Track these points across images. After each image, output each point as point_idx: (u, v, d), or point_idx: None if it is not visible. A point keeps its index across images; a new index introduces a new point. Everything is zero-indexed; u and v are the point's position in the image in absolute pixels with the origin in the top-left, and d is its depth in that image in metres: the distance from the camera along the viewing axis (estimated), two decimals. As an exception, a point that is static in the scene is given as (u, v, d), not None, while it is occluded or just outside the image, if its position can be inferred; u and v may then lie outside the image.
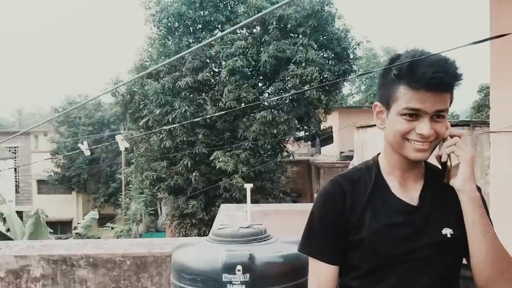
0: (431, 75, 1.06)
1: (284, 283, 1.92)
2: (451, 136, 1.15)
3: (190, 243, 2.23)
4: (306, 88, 12.44)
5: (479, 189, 1.20)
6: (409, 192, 1.21)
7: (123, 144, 3.10)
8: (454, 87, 1.12)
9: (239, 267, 1.90)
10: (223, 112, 9.69)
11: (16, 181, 24.86)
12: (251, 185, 2.76)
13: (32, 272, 2.71)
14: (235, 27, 9.39)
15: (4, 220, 9.86)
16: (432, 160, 1.22)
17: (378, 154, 1.29)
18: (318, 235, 1.21)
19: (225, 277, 1.91)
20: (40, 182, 26.22)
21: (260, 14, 8.79)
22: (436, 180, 1.20)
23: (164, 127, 10.02)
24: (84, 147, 3.31)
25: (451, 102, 1.15)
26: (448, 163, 1.15)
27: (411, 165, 1.20)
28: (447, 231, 1.15)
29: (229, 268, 1.90)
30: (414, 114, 1.11)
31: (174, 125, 10.37)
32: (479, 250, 1.12)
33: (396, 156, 1.20)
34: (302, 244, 1.25)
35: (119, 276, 2.77)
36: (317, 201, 1.25)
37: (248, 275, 1.90)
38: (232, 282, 1.90)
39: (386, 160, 1.24)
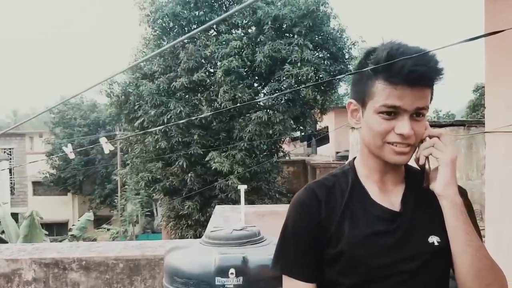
0: (411, 68, 0.97)
1: (278, 286, 1.90)
2: (430, 137, 1.05)
3: (182, 246, 2.20)
4: (301, 87, 12.44)
5: (464, 192, 1.12)
6: (389, 197, 1.10)
7: (107, 147, 3.06)
8: (435, 82, 1.03)
9: (232, 270, 1.88)
10: (214, 112, 9.64)
11: (11, 183, 24.74)
12: (244, 186, 2.74)
13: (24, 275, 2.68)
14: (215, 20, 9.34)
15: (-1, 222, 9.80)
16: (412, 163, 1.14)
17: (354, 158, 1.18)
18: (292, 250, 1.09)
19: (218, 280, 1.88)
20: (35, 183, 26.10)
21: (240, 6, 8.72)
22: (418, 183, 1.10)
23: (159, 128, 9.97)
24: (68, 150, 3.28)
25: (431, 99, 1.05)
26: (427, 166, 1.06)
27: (390, 168, 1.09)
28: (433, 239, 1.05)
29: (222, 271, 1.87)
30: (392, 112, 1.01)
31: (168, 125, 10.33)
32: (461, 261, 1.02)
33: (373, 159, 1.09)
34: (274, 261, 1.13)
35: (112, 279, 2.74)
36: (289, 212, 1.12)
37: (241, 278, 1.88)
38: (225, 286, 1.87)
39: (363, 163, 1.13)
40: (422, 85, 1.00)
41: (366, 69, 1.05)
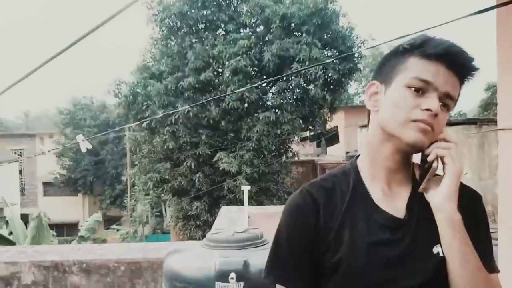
0: (450, 45, 0.93)
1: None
2: (446, 140, 0.96)
3: (182, 249, 2.14)
4: (310, 87, 12.35)
5: (479, 198, 1.04)
6: (394, 201, 1.00)
7: (84, 145, 3.00)
8: (469, 71, 0.96)
9: (232, 274, 1.81)
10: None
11: (21, 184, 24.94)
12: (248, 187, 2.67)
13: (23, 279, 2.63)
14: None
15: (7, 223, 9.83)
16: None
17: (357, 157, 1.09)
18: (286, 258, 1.00)
19: (218, 285, 1.81)
20: (46, 184, 26.31)
21: None
22: None
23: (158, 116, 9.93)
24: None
25: (457, 99, 0.98)
26: (434, 164, 0.96)
27: (400, 163, 1.00)
28: (438, 249, 0.95)
29: (222, 276, 1.80)
30: (421, 90, 0.93)
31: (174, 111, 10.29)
32: (455, 281, 0.93)
33: (385, 148, 0.99)
34: (267, 269, 1.04)
35: (113, 282, 2.68)
36: (283, 217, 1.03)
37: (242, 283, 1.80)
38: (226, 291, 1.80)
39: (369, 159, 1.03)
40: (456, 70, 0.95)
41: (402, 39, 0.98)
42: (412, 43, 0.96)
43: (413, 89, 0.94)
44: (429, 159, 0.96)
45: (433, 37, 0.96)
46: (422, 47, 0.95)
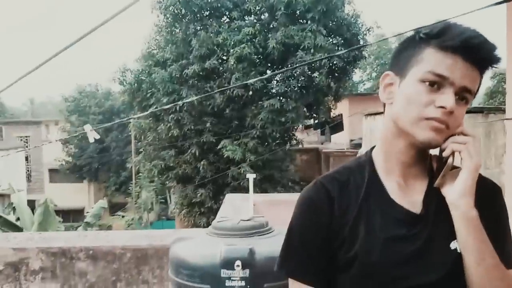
0: (470, 34, 0.87)
1: (285, 279, 1.84)
2: (463, 134, 0.92)
3: (188, 236, 2.15)
4: (315, 75, 12.28)
5: (497, 190, 1.00)
6: (410, 195, 0.96)
7: (92, 135, 3.01)
8: (490, 62, 0.91)
9: (238, 262, 1.82)
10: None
11: (28, 170, 25.13)
12: (253, 175, 2.67)
13: (31, 265, 2.66)
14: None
15: (14, 209, 9.93)
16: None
17: (373, 148, 1.04)
18: (299, 252, 0.97)
19: (224, 272, 1.83)
20: (52, 171, 26.52)
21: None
22: None
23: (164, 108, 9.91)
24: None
25: (477, 91, 0.93)
26: (450, 160, 0.92)
27: (415, 158, 0.97)
28: (456, 244, 0.92)
29: (228, 264, 1.82)
30: (436, 84, 0.89)
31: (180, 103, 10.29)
32: (470, 279, 0.90)
33: (399, 143, 0.96)
34: (280, 263, 1.01)
35: (120, 269, 2.71)
36: (296, 209, 1.00)
37: (247, 270, 1.82)
38: (231, 278, 1.82)
39: (383, 152, 0.99)
40: (475, 62, 0.89)
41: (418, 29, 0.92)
42: (429, 32, 0.91)
43: (427, 83, 0.89)
44: (444, 154, 0.93)
45: (452, 25, 0.91)
46: (439, 37, 0.89)
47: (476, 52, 0.88)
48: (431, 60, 0.89)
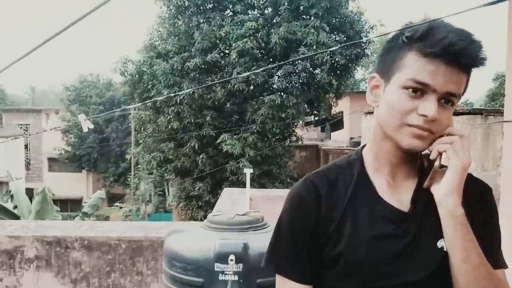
0: (453, 40, 0.85)
1: (278, 275, 1.84)
2: (450, 134, 0.92)
3: (183, 229, 2.15)
4: (316, 72, 12.26)
5: (487, 190, 1.01)
6: (398, 193, 0.96)
7: (86, 124, 3.00)
8: (474, 66, 0.89)
9: (232, 256, 1.82)
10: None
11: (27, 159, 25.13)
12: (250, 170, 2.68)
13: (26, 253, 2.66)
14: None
15: (12, 197, 9.94)
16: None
17: (363, 146, 1.04)
18: (287, 248, 0.98)
19: (217, 266, 1.83)
20: (51, 160, 26.53)
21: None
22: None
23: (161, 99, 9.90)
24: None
25: (465, 90, 0.92)
26: (436, 163, 0.92)
27: (404, 158, 0.97)
28: (442, 243, 0.92)
29: (222, 258, 1.82)
30: (419, 90, 0.88)
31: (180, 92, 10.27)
32: (456, 278, 0.90)
33: (386, 145, 0.96)
34: (267, 258, 1.01)
35: (114, 259, 2.71)
36: (285, 205, 1.01)
37: (241, 265, 1.82)
38: (225, 272, 1.82)
39: (373, 151, 1.00)
40: (459, 65, 0.87)
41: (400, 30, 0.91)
42: (411, 36, 0.90)
43: (410, 90, 0.89)
44: (431, 157, 0.93)
45: (435, 28, 0.88)
46: (421, 41, 0.88)
47: (458, 57, 0.86)
48: (413, 66, 0.89)
